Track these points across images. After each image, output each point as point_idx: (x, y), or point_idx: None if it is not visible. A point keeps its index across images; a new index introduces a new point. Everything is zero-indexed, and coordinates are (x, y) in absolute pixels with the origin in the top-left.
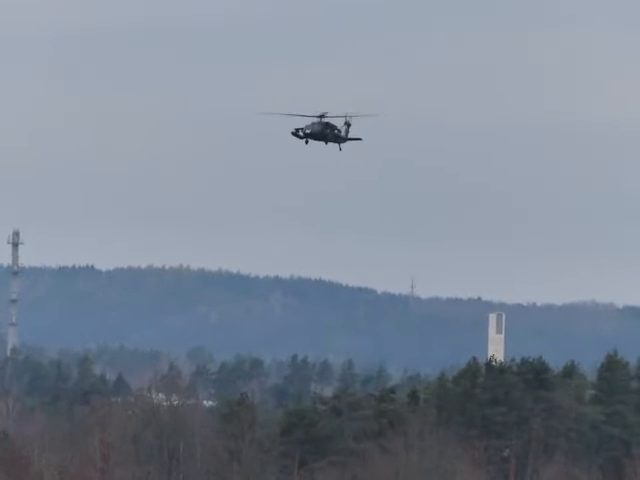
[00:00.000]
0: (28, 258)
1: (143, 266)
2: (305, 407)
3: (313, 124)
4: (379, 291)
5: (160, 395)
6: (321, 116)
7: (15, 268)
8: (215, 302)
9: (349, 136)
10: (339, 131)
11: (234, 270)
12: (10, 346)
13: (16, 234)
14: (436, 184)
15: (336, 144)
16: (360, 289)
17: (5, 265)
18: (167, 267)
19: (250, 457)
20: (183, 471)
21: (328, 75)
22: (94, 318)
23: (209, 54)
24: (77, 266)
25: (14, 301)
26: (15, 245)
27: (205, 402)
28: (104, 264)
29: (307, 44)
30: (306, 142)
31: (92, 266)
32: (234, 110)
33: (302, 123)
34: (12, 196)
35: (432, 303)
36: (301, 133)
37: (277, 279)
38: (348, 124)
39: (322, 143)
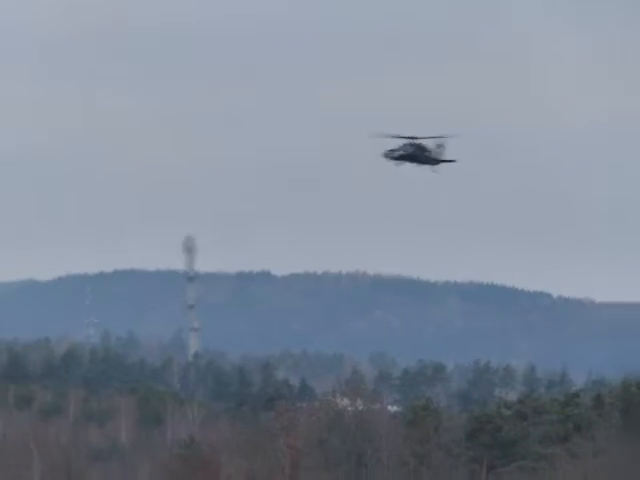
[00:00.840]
0: (204, 264)
1: (319, 272)
2: (490, 411)
3: (405, 145)
4: (554, 295)
5: (345, 400)
6: (412, 137)
7: (191, 274)
8: (393, 307)
9: (443, 158)
10: (430, 152)
11: (411, 275)
12: (192, 351)
13: (191, 239)
14: (612, 196)
15: (429, 166)
16: (536, 293)
17: (180, 271)
18: (344, 272)
19: (438, 462)
20: (371, 477)
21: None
22: (272, 324)
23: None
24: (254, 272)
25: (191, 307)
26: (190, 251)
27: (390, 407)
28: (280, 270)
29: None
30: (398, 164)
31: (268, 272)
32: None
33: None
34: (186, 202)
35: (610, 308)
36: (396, 155)
37: (455, 284)
38: (441, 146)
39: (414, 165)
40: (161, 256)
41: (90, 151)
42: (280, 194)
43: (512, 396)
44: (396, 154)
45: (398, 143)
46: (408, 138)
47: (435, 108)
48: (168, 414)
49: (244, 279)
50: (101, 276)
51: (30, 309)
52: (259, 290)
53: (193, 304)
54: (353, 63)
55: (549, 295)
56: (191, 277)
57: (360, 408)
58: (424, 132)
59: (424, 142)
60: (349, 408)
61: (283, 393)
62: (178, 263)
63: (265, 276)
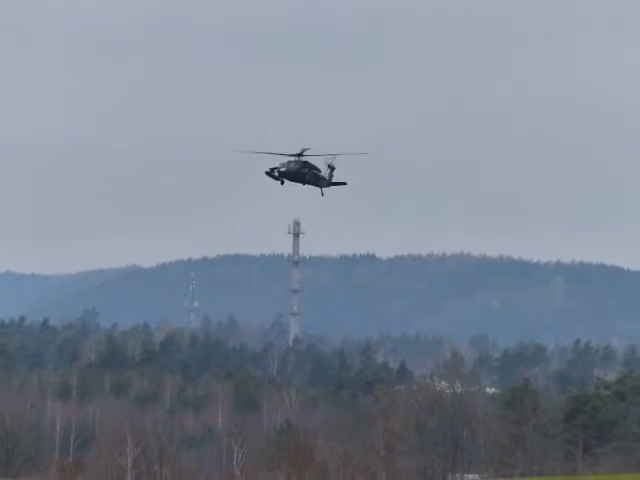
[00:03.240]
0: (309, 248)
1: (424, 253)
2: (589, 392)
3: (289, 162)
4: None
5: (443, 382)
6: (299, 154)
7: (296, 258)
8: (497, 288)
9: (333, 179)
10: (318, 171)
11: (515, 256)
12: (292, 336)
13: (297, 224)
14: None
15: (317, 187)
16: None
17: (286, 255)
18: (448, 254)
19: (534, 443)
20: (467, 458)
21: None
22: (375, 306)
23: None
24: (358, 255)
25: (295, 291)
26: (296, 235)
27: (488, 389)
28: (384, 252)
29: None
30: (281, 183)
31: (373, 254)
32: None
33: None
34: (292, 187)
35: None
36: (276, 173)
37: (558, 264)
38: (331, 167)
39: (299, 184)
40: (266, 240)
41: (184, 136)
42: (387, 178)
43: (611, 376)
44: (277, 172)
45: (282, 160)
46: (294, 155)
47: None
48: (265, 399)
49: (348, 262)
50: (205, 261)
51: (132, 296)
52: (363, 273)
53: (297, 288)
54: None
55: None
56: (296, 261)
57: (458, 391)
58: (317, 149)
59: (313, 160)
60: (447, 391)
61: (382, 376)
62: (283, 247)
63: (369, 259)
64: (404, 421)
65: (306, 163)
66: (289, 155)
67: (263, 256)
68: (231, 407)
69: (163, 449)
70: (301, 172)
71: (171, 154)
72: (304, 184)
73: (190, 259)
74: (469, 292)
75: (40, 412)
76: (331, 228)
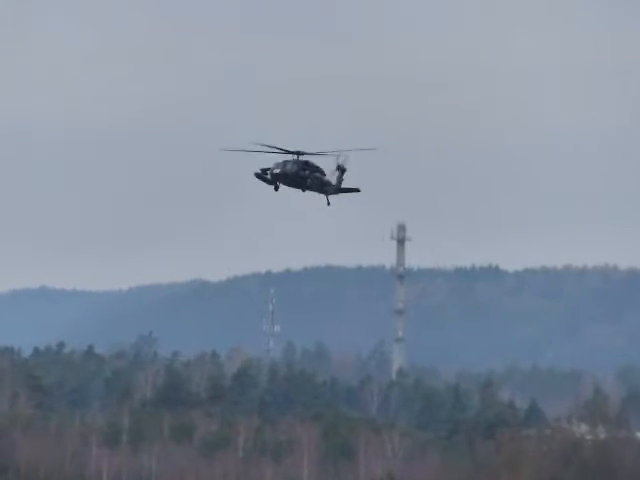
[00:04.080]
0: (417, 258)
1: (559, 266)
2: None
3: (285, 163)
4: None
5: (583, 426)
6: (298, 152)
7: (400, 270)
8: None
9: (342, 184)
10: (322, 174)
11: None
12: (396, 367)
13: (402, 228)
14: None
15: (322, 194)
16: None
17: (388, 267)
18: (590, 266)
19: None
20: None
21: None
22: (499, 331)
23: None
24: (477, 267)
25: (400, 312)
26: (401, 242)
27: (639, 434)
28: (511, 264)
29: None
30: (275, 188)
31: (496, 266)
32: None
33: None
34: (397, 183)
35: None
36: (268, 175)
37: None
38: (341, 169)
39: (299, 191)
40: (363, 249)
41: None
42: (516, 187)
43: None
44: (270, 174)
45: (277, 159)
46: (291, 153)
47: None
48: (361, 446)
49: (465, 276)
50: (287, 275)
51: (197, 317)
52: (483, 289)
53: (402, 308)
54: None
55: None
56: (401, 274)
57: (601, 437)
58: (319, 146)
59: (315, 159)
60: (588, 437)
61: (507, 418)
62: (384, 257)
63: (492, 272)
64: (534, 474)
65: (307, 164)
66: (285, 152)
67: (360, 268)
68: (319, 455)
69: None
70: (300, 175)
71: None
72: (304, 190)
73: (269, 272)
74: (616, 314)
75: (83, 462)
76: (444, 234)
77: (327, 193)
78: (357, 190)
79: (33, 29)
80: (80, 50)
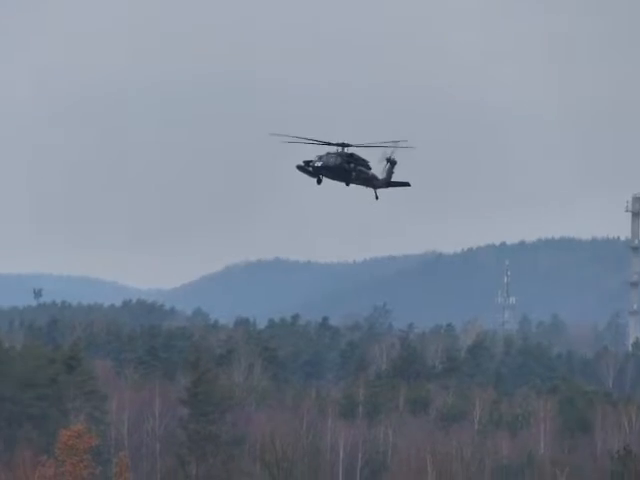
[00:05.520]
0: None
1: None
2: None
3: (328, 155)
4: None
5: None
6: (343, 145)
7: (635, 242)
8: None
9: (392, 178)
10: (367, 167)
11: None
12: (631, 340)
13: (637, 200)
14: None
15: (370, 188)
16: None
17: (623, 239)
18: None
19: None
20: None
21: None
22: None
23: None
24: None
25: (635, 284)
26: (636, 214)
27: None
28: None
29: None
30: (318, 182)
31: None
32: None
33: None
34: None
35: None
36: (311, 168)
37: None
38: (391, 161)
39: (343, 184)
40: (600, 220)
41: None
42: None
43: None
44: (312, 167)
45: (320, 151)
46: (335, 145)
47: None
48: (598, 419)
49: None
50: (522, 247)
51: (432, 289)
52: None
53: (637, 280)
54: None
55: None
56: (636, 247)
57: None
58: (367, 137)
59: (358, 152)
60: None
61: None
62: (619, 229)
63: None
64: None
65: (352, 156)
66: (330, 144)
67: (595, 240)
68: (556, 429)
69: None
70: (344, 168)
71: None
72: (348, 184)
73: (504, 243)
74: None
75: (319, 434)
76: None
77: (375, 187)
78: (407, 184)
79: None
80: None
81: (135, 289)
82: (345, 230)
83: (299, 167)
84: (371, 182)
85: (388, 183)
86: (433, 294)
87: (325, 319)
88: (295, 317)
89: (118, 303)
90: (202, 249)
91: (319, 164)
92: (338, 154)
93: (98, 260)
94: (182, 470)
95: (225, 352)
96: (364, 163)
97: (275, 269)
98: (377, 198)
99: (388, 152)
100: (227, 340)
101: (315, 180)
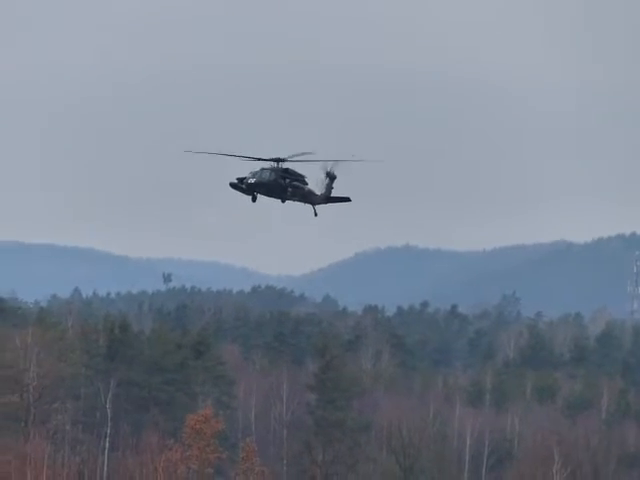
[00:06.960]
0: None
1: None
2: None
3: (262, 171)
4: None
5: None
6: (278, 160)
7: None
8: None
9: (331, 193)
10: (303, 182)
11: None
12: None
13: None
14: None
15: (309, 205)
16: None
17: None
18: None
19: None
20: None
21: None
22: None
23: None
24: None
25: None
26: None
27: None
28: None
29: None
30: (253, 199)
31: None
32: None
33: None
34: None
35: None
36: (244, 185)
37: None
38: (330, 175)
39: (278, 201)
40: None
41: None
42: None
43: None
44: (245, 184)
45: (255, 167)
46: (270, 160)
47: None
48: None
49: None
50: None
51: (561, 278)
52: None
53: None
54: None
55: None
56: None
57: None
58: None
59: (297, 167)
60: None
61: None
62: None
63: None
64: None
65: (286, 171)
66: (264, 160)
67: None
68: None
69: (598, 469)
70: (279, 184)
71: None
72: (283, 201)
73: (634, 234)
74: None
75: (446, 422)
76: None
77: (313, 203)
78: (348, 200)
79: None
80: None
81: (265, 275)
82: (476, 218)
83: (232, 185)
84: (309, 198)
85: (327, 198)
86: (562, 283)
87: (454, 307)
88: (424, 304)
89: (247, 289)
90: (332, 236)
91: (252, 181)
92: (272, 169)
93: (228, 246)
94: (308, 455)
95: (353, 338)
96: (300, 178)
97: (405, 256)
98: (316, 215)
99: (328, 166)
100: (355, 327)
101: (250, 198)
